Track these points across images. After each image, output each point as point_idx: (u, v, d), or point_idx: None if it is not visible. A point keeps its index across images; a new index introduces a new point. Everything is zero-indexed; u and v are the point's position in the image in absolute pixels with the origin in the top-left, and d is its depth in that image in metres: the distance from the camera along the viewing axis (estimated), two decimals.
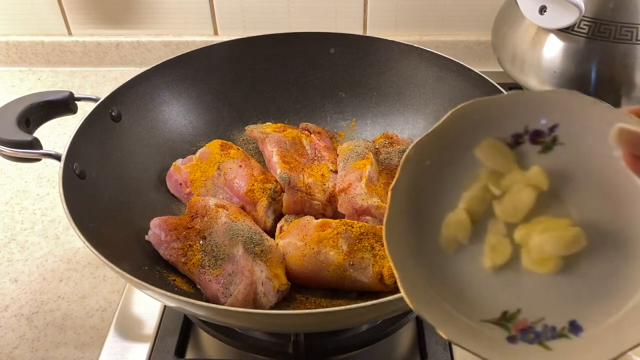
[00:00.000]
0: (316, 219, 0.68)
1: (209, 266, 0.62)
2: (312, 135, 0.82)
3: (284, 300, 0.64)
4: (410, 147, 0.37)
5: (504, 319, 0.36)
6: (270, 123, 0.85)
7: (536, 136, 0.37)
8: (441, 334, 0.34)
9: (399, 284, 0.35)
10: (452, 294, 0.37)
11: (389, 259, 0.36)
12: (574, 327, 0.34)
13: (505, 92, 0.37)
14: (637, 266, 0.34)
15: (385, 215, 0.37)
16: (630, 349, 0.31)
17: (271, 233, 0.71)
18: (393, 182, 0.37)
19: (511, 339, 0.35)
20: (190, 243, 0.65)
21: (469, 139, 0.37)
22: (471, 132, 0.37)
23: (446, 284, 0.37)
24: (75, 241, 0.80)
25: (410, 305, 0.35)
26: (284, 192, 0.73)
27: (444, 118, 0.36)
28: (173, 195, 0.77)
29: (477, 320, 0.36)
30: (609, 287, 0.34)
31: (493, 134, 0.37)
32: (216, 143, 0.78)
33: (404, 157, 0.37)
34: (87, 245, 0.54)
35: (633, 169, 0.31)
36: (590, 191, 0.36)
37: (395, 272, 0.35)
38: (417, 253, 0.38)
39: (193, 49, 0.83)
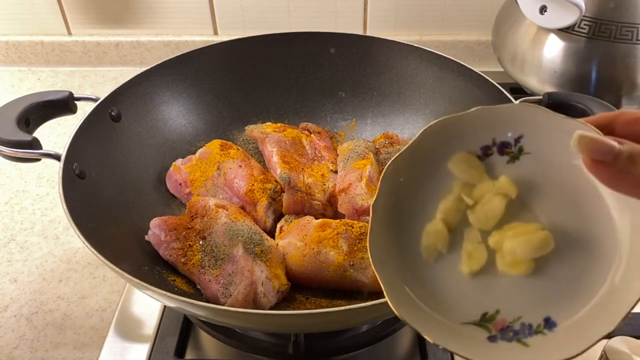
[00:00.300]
0: (316, 219, 0.68)
1: (209, 266, 0.62)
2: (312, 135, 0.82)
3: (284, 301, 0.64)
4: (387, 164, 0.40)
5: (484, 320, 0.38)
6: (270, 123, 0.85)
7: (504, 147, 0.39)
8: (426, 337, 0.36)
9: (384, 292, 0.37)
10: (435, 300, 0.39)
11: (373, 270, 0.38)
12: (549, 323, 0.37)
13: (471, 109, 0.39)
14: (600, 264, 0.36)
15: (369, 228, 0.39)
16: (599, 340, 0.33)
17: (271, 233, 0.70)
18: (374, 198, 0.40)
19: (492, 339, 0.37)
20: (190, 243, 0.65)
21: (442, 154, 0.40)
22: (443, 147, 0.40)
23: (428, 290, 0.39)
24: (75, 241, 0.80)
25: (396, 313, 0.37)
26: (284, 192, 0.72)
27: (417, 136, 0.39)
28: (173, 195, 0.77)
29: (459, 323, 0.38)
30: (577, 284, 0.37)
31: (463, 147, 0.40)
32: (216, 143, 0.78)
33: (382, 174, 0.40)
34: (86, 246, 0.54)
35: (593, 172, 0.33)
36: (556, 197, 0.38)
37: (380, 282, 0.38)
38: (399, 263, 0.40)
39: (193, 49, 0.83)
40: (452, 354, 0.64)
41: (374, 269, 0.38)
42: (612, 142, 0.32)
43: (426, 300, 0.39)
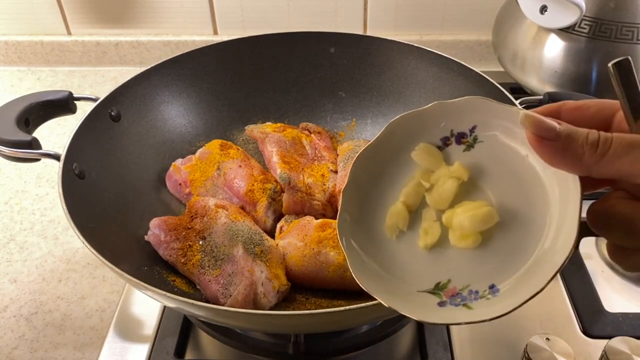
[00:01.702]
0: (316, 219, 0.68)
1: (209, 266, 0.62)
2: (312, 135, 0.82)
3: (284, 301, 0.64)
4: (358, 154, 0.45)
5: (437, 289, 0.42)
6: (270, 123, 0.85)
7: (460, 137, 0.44)
8: (382, 302, 0.41)
9: (349, 267, 0.42)
10: (394, 272, 0.44)
11: (341, 247, 0.44)
12: (493, 290, 0.41)
13: (430, 104, 0.44)
14: (535, 234, 0.41)
15: (339, 212, 0.45)
16: (530, 298, 0.37)
17: (271, 233, 0.70)
18: (344, 184, 0.45)
19: (441, 304, 0.41)
20: (190, 243, 0.65)
21: (406, 145, 0.45)
22: (407, 139, 0.45)
23: (389, 263, 0.44)
24: (75, 241, 0.80)
25: (358, 282, 0.42)
26: (284, 192, 0.72)
27: (383, 129, 0.45)
28: (173, 195, 0.77)
29: (415, 291, 0.43)
30: (516, 253, 0.41)
31: (425, 139, 0.45)
32: (216, 143, 0.78)
33: (353, 162, 0.45)
34: (86, 246, 0.54)
35: (536, 148, 0.37)
36: (503, 178, 0.43)
37: (346, 256, 0.43)
38: (364, 240, 0.45)
39: (193, 49, 0.83)
40: (452, 354, 0.64)
41: (340, 243, 0.44)
42: (553, 122, 0.36)
43: (387, 272, 0.44)
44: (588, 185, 0.38)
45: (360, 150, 0.46)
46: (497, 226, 0.42)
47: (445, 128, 0.45)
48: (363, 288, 0.42)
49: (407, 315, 0.40)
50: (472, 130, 0.44)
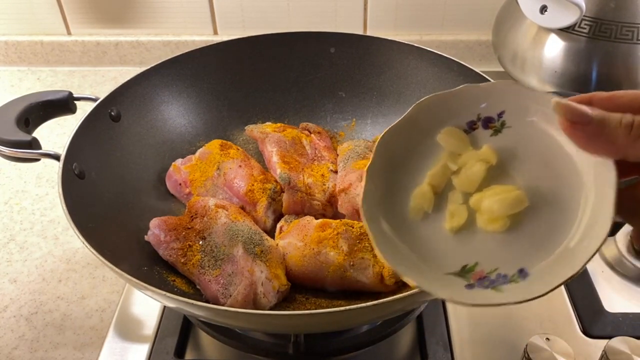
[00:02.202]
0: (316, 219, 0.68)
1: (209, 266, 0.62)
2: (312, 135, 0.82)
3: (284, 301, 0.64)
4: (382, 133, 0.44)
5: (464, 272, 0.42)
6: (270, 123, 0.85)
7: (488, 122, 0.44)
8: (410, 282, 0.40)
9: (375, 247, 0.41)
10: (420, 254, 0.43)
11: (365, 226, 0.42)
12: (522, 274, 0.40)
13: (458, 87, 0.44)
14: (568, 218, 0.40)
15: (362, 190, 0.43)
16: (563, 283, 0.37)
17: (271, 233, 0.70)
18: (368, 163, 0.44)
19: (469, 286, 0.41)
20: (190, 243, 0.65)
21: (432, 127, 0.45)
22: (433, 121, 0.45)
23: (414, 245, 0.43)
24: (75, 241, 0.80)
25: (385, 261, 0.41)
26: (284, 192, 0.72)
27: (410, 109, 0.44)
28: (173, 195, 0.77)
29: (441, 273, 0.42)
30: (548, 237, 0.41)
31: (451, 122, 0.44)
32: (216, 143, 0.78)
33: (377, 142, 0.44)
34: (86, 246, 0.54)
35: (568, 133, 0.38)
36: (533, 163, 0.43)
37: (371, 237, 0.42)
38: (389, 221, 0.44)
39: (193, 49, 0.83)
40: (452, 354, 0.64)
41: (364, 223, 0.42)
42: (585, 107, 0.37)
43: (412, 253, 0.43)
44: (622, 172, 0.38)
45: (385, 130, 0.45)
46: (526, 211, 0.41)
47: (473, 112, 0.44)
48: (389, 265, 0.41)
49: (436, 294, 0.40)
50: (500, 115, 0.43)
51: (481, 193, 0.43)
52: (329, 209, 0.73)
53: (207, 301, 0.62)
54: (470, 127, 0.44)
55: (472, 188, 0.43)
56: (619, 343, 0.58)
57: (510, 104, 0.43)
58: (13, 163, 0.72)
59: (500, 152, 0.43)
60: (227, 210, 0.67)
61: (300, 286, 0.66)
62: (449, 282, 0.41)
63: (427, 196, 0.44)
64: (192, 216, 0.68)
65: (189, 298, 0.50)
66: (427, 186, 0.44)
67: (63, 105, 0.72)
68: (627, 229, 0.75)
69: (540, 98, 0.41)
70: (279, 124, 0.83)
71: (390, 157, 0.45)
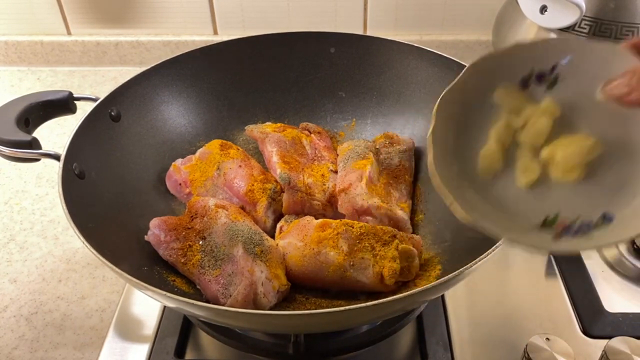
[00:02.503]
0: (316, 219, 0.68)
1: (209, 266, 0.62)
2: (312, 135, 0.82)
3: (284, 301, 0.64)
4: (438, 100, 0.45)
5: (546, 224, 0.42)
6: (270, 123, 0.85)
7: (541, 76, 0.44)
8: (500, 235, 0.41)
9: (462, 212, 0.42)
10: (497, 212, 0.44)
11: (444, 192, 0.42)
12: (606, 218, 0.41)
13: (507, 45, 0.45)
14: None
15: (430, 158, 0.44)
16: None
17: (271, 233, 0.70)
18: (430, 130, 0.45)
19: (556, 237, 0.41)
20: (190, 243, 0.65)
21: (487, 87, 0.45)
22: (487, 81, 0.45)
23: (491, 204, 0.44)
24: (75, 241, 0.80)
25: (470, 220, 0.41)
26: (284, 192, 0.72)
27: (462, 72, 0.44)
28: (173, 195, 0.77)
29: (526, 229, 0.43)
30: (623, 184, 0.41)
31: (505, 79, 0.45)
32: (216, 143, 0.78)
33: (435, 107, 0.45)
34: (86, 246, 0.54)
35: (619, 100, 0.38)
36: (596, 111, 0.42)
37: (454, 202, 0.42)
38: (461, 183, 0.45)
39: (193, 49, 0.83)
40: (452, 354, 0.64)
41: (444, 190, 0.42)
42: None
43: (494, 211, 0.44)
44: None
45: (440, 96, 0.45)
46: (599, 160, 0.42)
47: (525, 68, 0.44)
48: (476, 224, 0.41)
49: (530, 246, 0.41)
50: (553, 68, 0.44)
51: (552, 145, 0.43)
52: (329, 209, 0.73)
53: (207, 301, 0.62)
54: (525, 83, 0.45)
55: (540, 140, 0.44)
56: (619, 343, 0.58)
57: (563, 57, 0.43)
58: (13, 163, 0.72)
59: (560, 103, 0.44)
60: (227, 210, 0.67)
61: (300, 286, 0.66)
62: (537, 236, 0.42)
63: (496, 155, 0.45)
64: (192, 216, 0.68)
65: (189, 298, 0.50)
66: (494, 145, 0.45)
67: (63, 105, 0.72)
68: None
69: (595, 49, 0.41)
70: (279, 124, 0.83)
71: (450, 121, 0.46)
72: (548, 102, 0.44)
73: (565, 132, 0.43)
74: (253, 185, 0.72)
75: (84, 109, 0.72)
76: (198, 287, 0.64)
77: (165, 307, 0.69)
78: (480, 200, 0.44)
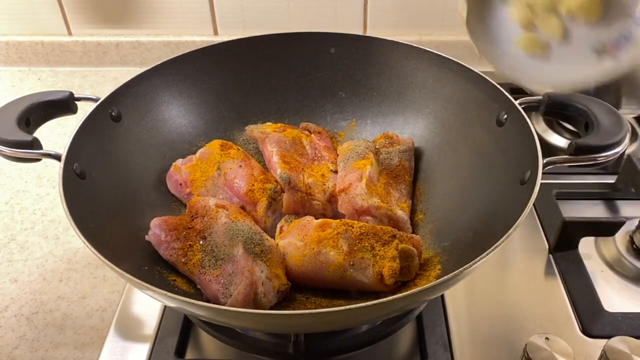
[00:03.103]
0: (316, 219, 0.68)
1: (209, 266, 0.62)
2: (312, 135, 0.82)
3: (284, 301, 0.64)
4: None
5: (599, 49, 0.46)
6: (270, 123, 0.85)
7: None
8: None
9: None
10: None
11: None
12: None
13: None
14: None
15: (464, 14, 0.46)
16: None
17: (271, 233, 0.71)
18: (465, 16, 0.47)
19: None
20: (191, 243, 0.65)
21: None
22: None
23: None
24: (75, 241, 0.80)
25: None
26: (284, 192, 0.73)
27: None
28: (173, 195, 0.77)
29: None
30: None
31: None
32: (216, 143, 0.78)
33: None
34: (87, 245, 0.54)
35: None
36: None
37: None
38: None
39: (193, 49, 0.83)
40: (452, 354, 0.64)
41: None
42: None
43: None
44: None
45: None
46: None
47: None
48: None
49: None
50: None
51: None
52: (329, 208, 0.73)
53: (207, 301, 0.62)
54: None
55: None
56: (619, 343, 0.58)
57: None
58: (14, 163, 0.72)
59: None
60: (227, 210, 0.68)
61: (300, 286, 0.66)
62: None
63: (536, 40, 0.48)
64: (192, 216, 0.68)
65: (189, 298, 0.50)
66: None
67: (64, 105, 0.72)
68: (627, 228, 0.76)
69: None
70: (279, 124, 0.84)
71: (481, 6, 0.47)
72: None
73: None
74: (253, 185, 0.72)
75: (84, 109, 0.72)
76: (198, 286, 0.64)
77: (165, 306, 0.69)
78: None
